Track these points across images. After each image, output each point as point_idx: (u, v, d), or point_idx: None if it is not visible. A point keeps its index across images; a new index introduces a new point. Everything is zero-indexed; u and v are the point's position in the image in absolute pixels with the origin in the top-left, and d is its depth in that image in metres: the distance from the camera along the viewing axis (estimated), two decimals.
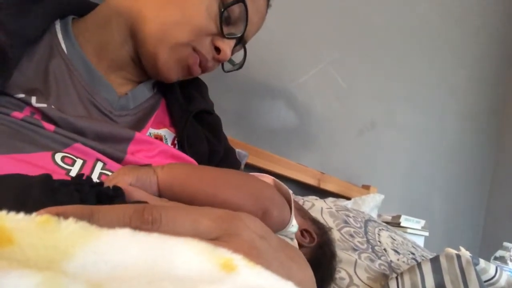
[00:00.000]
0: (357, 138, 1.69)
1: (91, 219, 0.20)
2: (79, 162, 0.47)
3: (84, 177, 0.30)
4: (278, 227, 0.43)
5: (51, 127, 0.48)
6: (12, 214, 0.16)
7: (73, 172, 0.46)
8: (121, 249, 0.15)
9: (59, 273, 0.14)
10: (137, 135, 0.55)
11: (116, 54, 0.61)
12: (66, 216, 0.17)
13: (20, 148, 0.44)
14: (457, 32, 2.22)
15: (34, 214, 0.16)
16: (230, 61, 0.72)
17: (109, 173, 0.48)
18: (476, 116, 2.49)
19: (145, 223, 0.21)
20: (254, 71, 1.24)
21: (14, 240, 0.15)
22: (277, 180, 0.50)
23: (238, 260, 0.16)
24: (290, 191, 0.48)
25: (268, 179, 0.50)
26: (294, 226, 0.45)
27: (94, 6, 0.64)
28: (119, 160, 0.53)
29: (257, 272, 0.15)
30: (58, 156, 0.46)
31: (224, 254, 0.16)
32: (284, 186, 0.48)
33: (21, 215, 0.16)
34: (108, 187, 0.31)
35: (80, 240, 0.15)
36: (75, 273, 0.14)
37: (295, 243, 0.46)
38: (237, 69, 0.73)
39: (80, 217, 0.18)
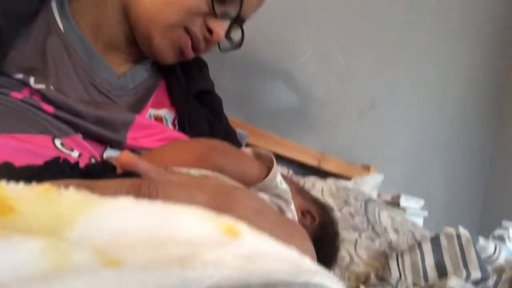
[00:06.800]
0: (357, 118, 1.69)
1: None
2: (75, 153, 0.47)
3: (61, 160, 0.29)
4: (243, 177, 0.43)
5: (50, 109, 0.47)
6: (13, 184, 0.16)
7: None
8: (125, 215, 0.15)
9: (64, 239, 0.14)
10: (138, 118, 0.55)
11: (112, 34, 0.60)
12: (66, 186, 0.16)
13: (20, 128, 0.44)
14: (458, 8, 2.19)
15: (34, 184, 0.16)
16: (228, 38, 0.70)
17: None
18: (477, 94, 2.48)
19: (141, 197, 0.21)
20: (254, 50, 1.23)
21: (15, 209, 0.15)
22: (257, 148, 0.51)
23: (243, 227, 0.16)
24: (291, 173, 0.48)
25: (247, 150, 0.51)
26: (280, 184, 0.46)
27: None
28: (119, 144, 0.53)
29: (261, 239, 0.15)
30: (57, 141, 0.46)
31: (227, 220, 0.16)
32: (263, 150, 0.50)
33: (21, 185, 0.16)
34: (97, 162, 0.30)
35: (83, 208, 0.15)
36: (78, 240, 0.14)
37: (292, 208, 0.46)
38: (234, 49, 0.71)
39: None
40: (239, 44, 0.69)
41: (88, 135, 0.51)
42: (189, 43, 0.59)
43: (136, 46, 0.62)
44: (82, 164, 0.30)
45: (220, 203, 0.24)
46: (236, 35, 0.69)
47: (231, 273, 0.11)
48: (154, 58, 0.62)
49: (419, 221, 1.52)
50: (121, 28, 0.60)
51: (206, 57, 0.74)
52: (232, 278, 0.11)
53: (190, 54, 0.61)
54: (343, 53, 1.55)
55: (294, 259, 0.15)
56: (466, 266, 0.72)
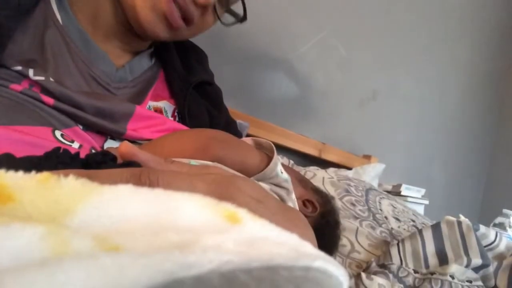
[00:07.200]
0: (358, 108, 1.68)
1: None
2: (76, 144, 0.47)
3: (61, 151, 0.29)
4: (244, 167, 0.43)
5: (50, 100, 0.47)
6: (11, 172, 0.16)
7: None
8: (125, 203, 0.15)
9: (64, 226, 0.14)
10: (138, 109, 0.54)
11: (109, 24, 0.59)
12: (65, 175, 0.16)
13: (20, 120, 0.44)
14: (459, 8, 2.18)
15: (33, 173, 0.16)
16: (231, 12, 0.64)
17: None
18: (478, 85, 2.47)
19: (142, 186, 0.21)
20: (254, 41, 1.22)
21: (15, 198, 0.15)
22: (257, 138, 0.51)
23: (243, 213, 0.16)
24: (291, 162, 0.48)
25: (248, 140, 0.51)
26: (281, 174, 0.46)
27: None
28: (119, 135, 0.53)
29: (261, 225, 0.15)
30: (58, 133, 0.46)
31: (228, 207, 0.16)
32: (264, 139, 0.50)
33: (20, 173, 0.16)
34: (97, 152, 0.30)
35: (82, 195, 0.15)
36: (78, 227, 0.14)
37: (292, 198, 0.47)
38: (239, 22, 0.64)
39: None
40: (243, 17, 0.64)
41: (89, 127, 0.51)
42: (174, 10, 0.55)
43: (133, 34, 0.61)
44: (82, 155, 0.30)
45: (220, 192, 0.24)
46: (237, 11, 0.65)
47: (231, 257, 0.12)
48: (148, 36, 0.60)
49: (420, 210, 1.52)
50: (116, 16, 0.59)
51: (205, 48, 0.74)
52: (232, 263, 0.11)
53: (177, 23, 0.56)
54: (344, 43, 1.54)
55: (295, 244, 0.15)
56: (467, 252, 0.72)
